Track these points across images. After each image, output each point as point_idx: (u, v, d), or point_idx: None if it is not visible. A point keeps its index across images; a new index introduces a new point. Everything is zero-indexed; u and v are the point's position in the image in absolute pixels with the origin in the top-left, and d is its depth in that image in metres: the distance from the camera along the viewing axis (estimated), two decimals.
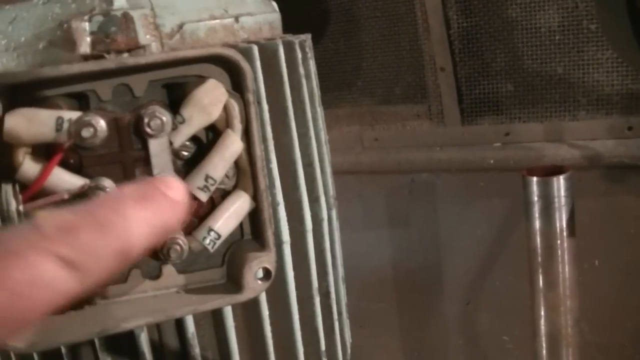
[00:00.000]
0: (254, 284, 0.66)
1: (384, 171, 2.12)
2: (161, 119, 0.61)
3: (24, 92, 0.62)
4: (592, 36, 1.83)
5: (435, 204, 2.10)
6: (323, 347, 0.87)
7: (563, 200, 1.46)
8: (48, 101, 0.63)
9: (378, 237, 2.20)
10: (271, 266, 0.66)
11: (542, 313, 1.55)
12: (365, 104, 2.16)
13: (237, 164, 0.66)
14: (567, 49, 1.86)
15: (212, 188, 0.65)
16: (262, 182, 0.66)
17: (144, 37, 0.71)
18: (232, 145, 0.65)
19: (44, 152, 0.62)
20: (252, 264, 0.66)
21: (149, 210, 0.47)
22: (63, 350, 0.76)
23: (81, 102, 0.64)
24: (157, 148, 0.62)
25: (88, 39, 0.69)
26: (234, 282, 0.68)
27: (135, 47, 0.71)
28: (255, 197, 0.66)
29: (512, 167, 1.88)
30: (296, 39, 0.83)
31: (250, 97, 0.65)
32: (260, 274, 0.66)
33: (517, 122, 1.97)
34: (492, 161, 1.96)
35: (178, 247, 0.64)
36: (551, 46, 1.88)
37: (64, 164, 0.62)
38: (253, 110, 0.65)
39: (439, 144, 2.06)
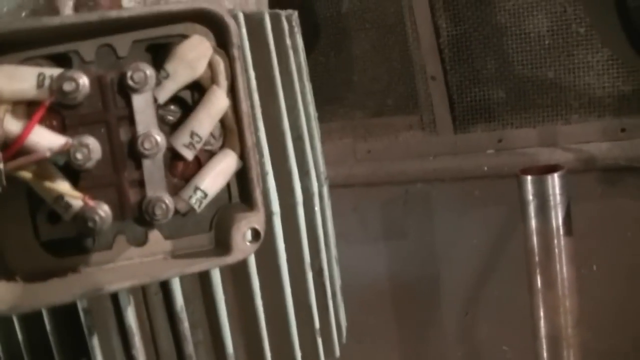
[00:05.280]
0: (243, 245, 0.64)
1: (378, 183, 2.11)
2: (145, 73, 0.60)
3: (5, 52, 0.61)
4: (582, 39, 1.83)
5: (430, 214, 2.09)
6: (317, 325, 0.85)
7: (558, 198, 1.45)
8: (30, 61, 0.62)
9: (374, 249, 2.18)
10: (260, 226, 0.65)
11: (542, 314, 1.53)
12: (358, 116, 2.16)
13: (223, 123, 0.65)
14: (557, 53, 1.86)
15: (198, 146, 0.63)
16: (249, 140, 0.64)
17: (128, 1, 0.71)
18: (217, 102, 0.63)
19: (25, 110, 0.60)
20: (241, 224, 0.64)
21: None
22: (48, 327, 0.74)
23: (64, 65, 0.63)
24: (142, 104, 0.61)
25: (70, 3, 0.69)
26: (222, 246, 0.66)
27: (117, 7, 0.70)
28: (243, 155, 0.65)
29: (507, 173, 1.87)
30: (283, 12, 0.82)
31: (236, 53, 0.63)
32: (249, 235, 0.65)
33: (509, 128, 1.96)
34: (486, 168, 1.95)
35: (163, 205, 0.62)
36: (541, 51, 1.88)
37: (47, 123, 0.60)
38: (239, 66, 0.64)
39: (432, 154, 2.05)
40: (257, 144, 0.75)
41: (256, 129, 0.75)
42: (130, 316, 0.73)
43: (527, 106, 1.93)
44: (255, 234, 0.65)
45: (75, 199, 0.60)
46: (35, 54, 0.62)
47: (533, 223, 1.49)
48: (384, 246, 2.17)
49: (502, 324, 2.04)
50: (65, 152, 0.60)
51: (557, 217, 1.46)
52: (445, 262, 2.11)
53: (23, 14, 0.70)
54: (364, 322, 2.18)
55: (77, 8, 0.68)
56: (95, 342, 0.73)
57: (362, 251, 2.17)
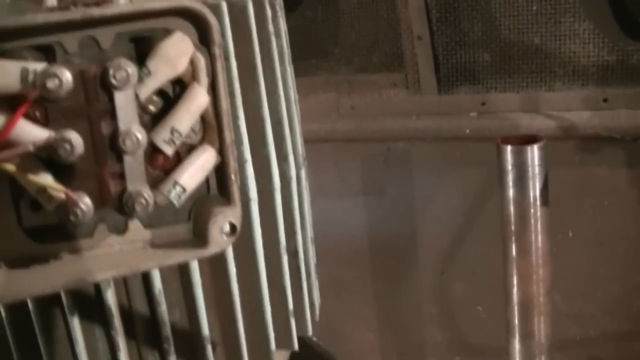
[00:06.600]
0: (220, 239, 0.66)
1: (360, 139, 2.12)
2: (126, 71, 0.61)
3: None
4: (569, 7, 1.83)
5: (410, 173, 2.11)
6: (291, 306, 0.88)
7: (537, 169, 1.47)
8: (13, 53, 0.62)
9: (353, 205, 2.20)
10: (237, 221, 0.66)
11: (515, 281, 1.56)
12: (342, 72, 2.16)
13: (203, 118, 0.66)
14: (544, 20, 1.86)
15: (178, 141, 0.65)
16: (228, 136, 0.66)
17: None
18: (197, 98, 0.64)
19: (9, 104, 0.61)
20: (218, 218, 0.66)
21: None
22: (31, 307, 0.76)
23: (47, 54, 0.64)
24: (123, 100, 0.62)
25: None
26: (200, 237, 0.68)
27: (102, 1, 0.70)
28: (221, 151, 0.66)
29: (488, 136, 1.88)
30: None
31: (217, 51, 0.64)
32: (226, 228, 0.66)
33: (493, 92, 1.97)
34: (467, 131, 1.97)
35: (143, 201, 0.63)
36: (528, 16, 1.88)
37: (30, 117, 0.61)
38: (219, 64, 0.65)
39: (415, 113, 2.06)
40: (237, 131, 0.76)
41: (236, 118, 0.76)
42: (110, 298, 0.75)
43: (512, 71, 1.94)
44: (232, 227, 0.67)
45: (58, 192, 0.62)
46: (18, 44, 0.62)
47: (511, 192, 1.50)
48: (363, 202, 2.19)
49: (476, 284, 2.07)
50: (48, 146, 0.61)
51: (535, 188, 1.48)
52: (423, 220, 2.14)
53: None
54: (341, 276, 2.22)
55: None
56: (75, 322, 0.75)
57: (341, 206, 2.19)
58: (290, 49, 0.90)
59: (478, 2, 1.92)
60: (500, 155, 1.50)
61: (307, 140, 0.96)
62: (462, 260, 2.10)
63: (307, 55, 2.14)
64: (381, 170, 2.14)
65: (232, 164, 0.66)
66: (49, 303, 0.75)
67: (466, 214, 2.05)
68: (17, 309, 0.76)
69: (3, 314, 0.76)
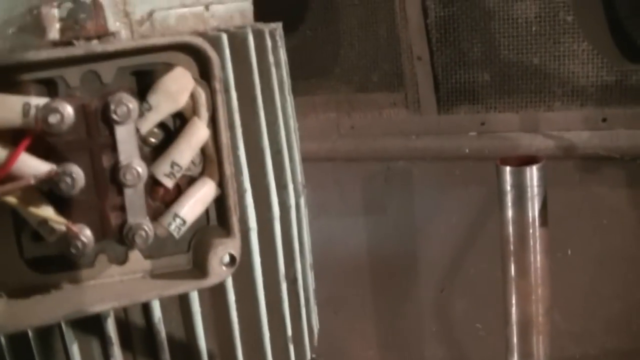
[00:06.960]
0: (219, 270, 0.67)
1: (360, 158, 2.13)
2: (127, 106, 0.62)
3: None
4: (569, 28, 1.84)
5: (410, 192, 2.11)
6: (289, 332, 0.88)
7: (536, 190, 1.47)
8: (16, 87, 0.63)
9: (354, 223, 2.20)
10: (236, 252, 0.67)
11: (514, 301, 1.56)
12: (343, 91, 2.17)
13: (203, 151, 0.67)
14: (543, 40, 1.87)
15: (178, 174, 0.66)
16: (228, 169, 0.67)
17: (114, 24, 0.72)
18: (198, 133, 0.65)
19: (11, 137, 0.62)
20: (218, 249, 0.67)
21: None
22: (30, 334, 0.77)
23: (50, 88, 0.65)
24: (124, 135, 0.63)
25: (57, 25, 0.70)
26: (199, 268, 0.69)
27: (104, 34, 0.71)
28: (221, 183, 0.67)
29: (487, 156, 1.89)
30: (266, 28, 0.84)
31: (217, 85, 0.65)
32: (226, 259, 0.67)
33: (492, 112, 1.98)
34: (467, 150, 1.97)
35: (143, 233, 0.64)
36: (528, 37, 1.89)
37: (32, 150, 0.62)
38: (220, 98, 0.66)
39: (415, 132, 2.06)
40: (237, 162, 0.77)
41: (236, 148, 0.77)
42: (110, 326, 0.75)
43: (511, 91, 1.94)
44: (232, 258, 0.67)
45: (59, 224, 0.63)
46: (22, 78, 0.63)
47: (510, 213, 1.51)
48: (364, 221, 2.20)
49: (476, 302, 2.08)
50: (49, 179, 0.62)
51: (534, 208, 1.49)
52: (423, 239, 2.14)
53: (10, 31, 0.71)
54: (342, 294, 2.22)
55: (62, 31, 0.69)
56: (75, 350, 0.75)
57: (342, 224, 2.20)
58: (290, 68, 0.91)
59: (478, 22, 1.94)
60: (499, 176, 1.50)
61: (307, 160, 0.96)
62: (461, 278, 2.11)
63: (307, 74, 2.15)
64: (381, 189, 2.15)
65: (232, 196, 0.67)
66: (48, 331, 0.76)
67: (466, 233, 2.05)
68: (17, 337, 0.76)
69: (3, 341, 0.77)
